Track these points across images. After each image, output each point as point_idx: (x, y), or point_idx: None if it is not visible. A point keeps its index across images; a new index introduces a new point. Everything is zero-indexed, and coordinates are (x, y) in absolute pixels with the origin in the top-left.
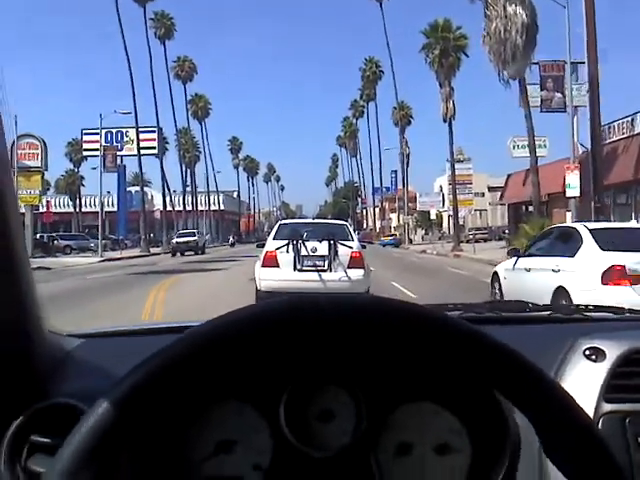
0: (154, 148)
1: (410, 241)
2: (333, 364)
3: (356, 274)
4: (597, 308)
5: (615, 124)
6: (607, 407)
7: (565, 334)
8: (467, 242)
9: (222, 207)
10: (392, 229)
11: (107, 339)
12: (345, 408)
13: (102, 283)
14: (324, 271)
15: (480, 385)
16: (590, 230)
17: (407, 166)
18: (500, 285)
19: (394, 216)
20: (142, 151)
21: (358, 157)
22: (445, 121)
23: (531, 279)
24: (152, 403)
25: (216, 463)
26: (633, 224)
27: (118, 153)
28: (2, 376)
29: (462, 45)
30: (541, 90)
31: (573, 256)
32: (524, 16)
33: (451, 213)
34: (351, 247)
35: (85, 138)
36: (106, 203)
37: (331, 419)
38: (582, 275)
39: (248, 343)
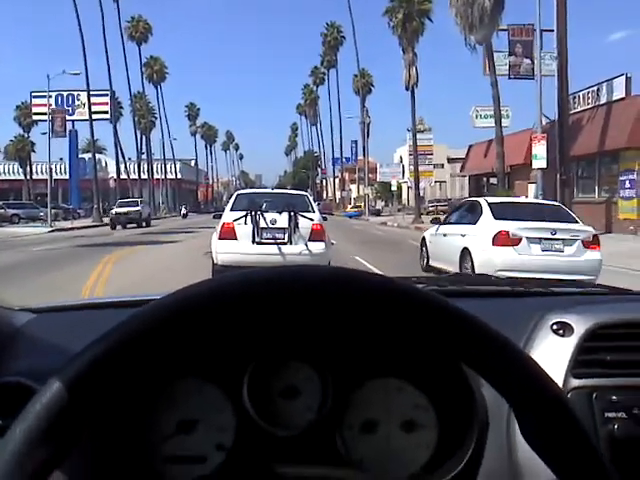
0: (107, 112)
1: (372, 212)
2: (297, 339)
3: (317, 247)
4: (562, 282)
5: (580, 94)
6: (574, 382)
7: (531, 308)
8: (427, 214)
9: (179, 176)
10: (352, 200)
11: (61, 314)
12: (310, 384)
13: (44, 256)
14: (284, 244)
15: (446, 359)
16: (489, 203)
17: (368, 136)
18: (427, 248)
19: (354, 187)
20: (94, 116)
21: (318, 126)
22: (407, 89)
23: (447, 242)
24: (111, 380)
25: (178, 442)
26: (523, 199)
27: (69, 118)
28: None
29: (426, 9)
30: (509, 55)
31: (475, 224)
32: None
33: (411, 184)
34: (312, 219)
35: (34, 101)
36: (58, 170)
37: (296, 396)
38: (480, 238)
39: (207, 318)
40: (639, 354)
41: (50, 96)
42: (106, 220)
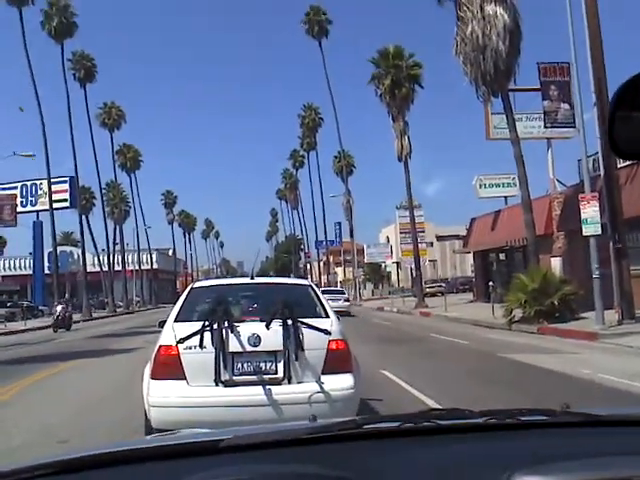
0: (66, 200)
1: (360, 296)
2: None
3: (340, 384)
4: (530, 411)
5: None
6: None
7: (500, 457)
8: (424, 296)
9: (155, 266)
10: (338, 283)
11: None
12: None
13: None
14: (276, 383)
15: None
16: None
17: (352, 217)
18: None
19: (339, 270)
20: (56, 204)
21: (300, 209)
22: (400, 160)
23: None
24: None
25: None
26: None
27: (32, 208)
28: None
29: (416, 75)
30: (544, 99)
31: None
32: (506, 17)
33: (402, 265)
34: (327, 331)
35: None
36: (27, 265)
37: None
38: None
39: None
40: None
41: (15, 187)
42: None
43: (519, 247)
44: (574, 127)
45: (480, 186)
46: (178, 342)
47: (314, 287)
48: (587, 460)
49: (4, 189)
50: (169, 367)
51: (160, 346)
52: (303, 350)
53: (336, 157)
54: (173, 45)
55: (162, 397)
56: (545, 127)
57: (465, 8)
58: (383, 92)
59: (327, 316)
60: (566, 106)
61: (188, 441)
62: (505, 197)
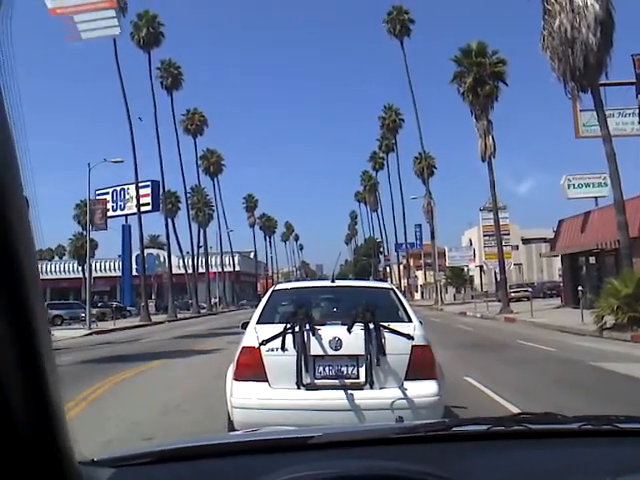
0: (148, 204)
1: (442, 301)
2: None
3: (424, 391)
4: (627, 419)
5: None
6: None
7: (596, 463)
8: (509, 301)
9: (237, 268)
10: (419, 287)
11: (141, 468)
12: None
13: None
14: (358, 388)
15: None
16: None
17: (433, 219)
18: None
19: (420, 273)
20: (141, 208)
21: (379, 212)
22: (484, 160)
23: None
24: None
25: None
26: None
27: (121, 212)
28: None
29: (500, 72)
30: (638, 93)
31: None
32: (597, 8)
33: (486, 268)
34: (409, 336)
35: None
36: (117, 268)
37: None
38: None
39: None
40: None
41: (107, 192)
42: (156, 319)
43: (611, 250)
44: None
45: (569, 186)
46: (261, 344)
47: (396, 290)
48: None
49: (100, 195)
50: (251, 368)
51: (243, 347)
52: (385, 355)
53: (417, 158)
54: (254, 49)
55: (244, 398)
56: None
57: (553, 0)
58: (466, 90)
59: (410, 320)
60: None
61: (278, 437)
62: (595, 198)
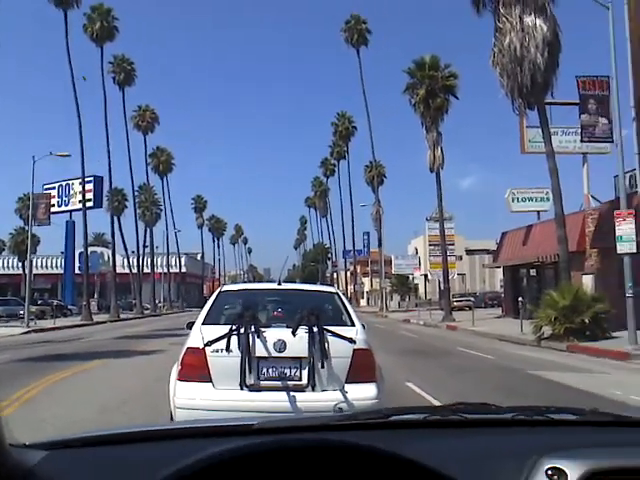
0: (90, 200)
1: (387, 308)
2: None
3: (363, 394)
4: (558, 410)
5: None
6: None
7: (528, 447)
8: (452, 310)
9: (184, 269)
10: (365, 294)
11: (77, 450)
12: None
13: None
14: (300, 390)
15: None
16: None
17: (381, 227)
18: None
19: (366, 280)
20: (84, 204)
21: (328, 218)
22: (432, 171)
23: None
24: None
25: None
26: None
27: (65, 208)
28: None
29: (451, 85)
30: (581, 113)
31: None
32: (545, 29)
33: (430, 277)
34: (352, 339)
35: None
36: (58, 265)
37: None
38: None
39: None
40: None
41: (54, 187)
42: (98, 318)
43: (550, 263)
44: (612, 142)
45: (513, 200)
46: (205, 345)
47: (341, 295)
48: (616, 449)
49: (47, 189)
50: (196, 369)
51: (188, 348)
52: (328, 358)
53: (367, 166)
54: (205, 46)
55: (188, 399)
56: (582, 141)
57: (504, 19)
58: (417, 102)
59: (353, 324)
60: (604, 120)
61: (219, 424)
62: (538, 212)
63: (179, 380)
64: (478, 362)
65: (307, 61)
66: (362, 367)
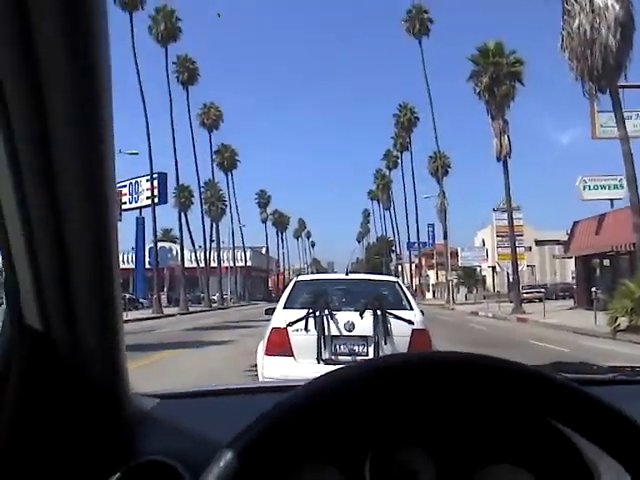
0: (155, 197)
1: (453, 300)
2: (415, 424)
3: None
4: None
5: None
6: None
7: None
8: (522, 302)
9: (249, 263)
10: (430, 286)
11: (184, 400)
12: (427, 470)
13: None
14: None
15: (565, 444)
16: None
17: (446, 218)
18: None
19: (431, 273)
20: (148, 201)
21: (392, 210)
22: (499, 160)
23: None
24: (267, 459)
25: None
26: None
27: (135, 205)
28: (90, 437)
29: (517, 72)
30: None
31: None
32: (617, 9)
33: (498, 269)
34: (411, 321)
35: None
36: (130, 259)
37: None
38: None
39: (349, 404)
40: None
41: (125, 185)
42: (168, 311)
43: (625, 253)
44: None
45: (584, 188)
46: (288, 325)
47: (401, 283)
48: None
49: (119, 187)
50: (280, 345)
51: (273, 328)
52: (390, 336)
53: (431, 157)
54: (266, 44)
55: (273, 369)
56: None
57: (573, 1)
58: (482, 90)
59: (412, 309)
60: None
61: (273, 385)
62: (611, 200)
63: (266, 355)
64: (552, 355)
65: (373, 52)
66: (420, 345)
